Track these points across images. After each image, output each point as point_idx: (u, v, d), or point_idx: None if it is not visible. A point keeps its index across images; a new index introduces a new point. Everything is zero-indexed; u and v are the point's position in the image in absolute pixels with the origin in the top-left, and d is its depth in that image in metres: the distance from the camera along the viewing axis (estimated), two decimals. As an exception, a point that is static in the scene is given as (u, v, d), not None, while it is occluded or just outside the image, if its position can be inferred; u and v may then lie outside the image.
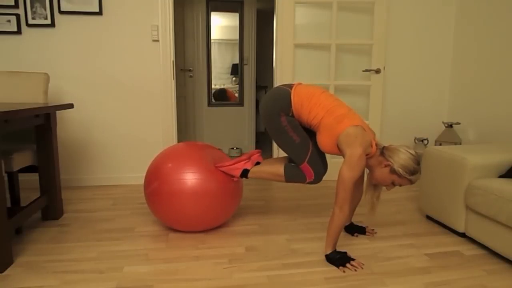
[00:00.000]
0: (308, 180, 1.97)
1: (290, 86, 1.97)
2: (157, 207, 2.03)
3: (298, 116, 1.93)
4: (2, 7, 2.83)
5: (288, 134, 1.91)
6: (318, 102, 1.87)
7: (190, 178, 1.96)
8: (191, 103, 4.55)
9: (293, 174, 1.98)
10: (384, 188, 2.68)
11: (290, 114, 1.92)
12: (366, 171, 1.93)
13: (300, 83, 1.99)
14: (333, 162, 3.25)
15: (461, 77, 3.30)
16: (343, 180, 1.70)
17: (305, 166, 1.94)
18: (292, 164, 2.00)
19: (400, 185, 1.80)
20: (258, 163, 2.11)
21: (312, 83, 3.18)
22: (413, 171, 1.74)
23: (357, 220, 2.36)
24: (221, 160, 2.14)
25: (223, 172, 2.06)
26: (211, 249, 1.96)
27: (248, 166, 2.06)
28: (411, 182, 1.77)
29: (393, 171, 1.76)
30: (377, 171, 1.82)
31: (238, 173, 2.05)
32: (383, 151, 1.82)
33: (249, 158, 2.09)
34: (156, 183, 2.01)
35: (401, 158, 1.74)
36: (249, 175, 2.07)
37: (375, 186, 1.95)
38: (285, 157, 2.13)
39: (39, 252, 1.90)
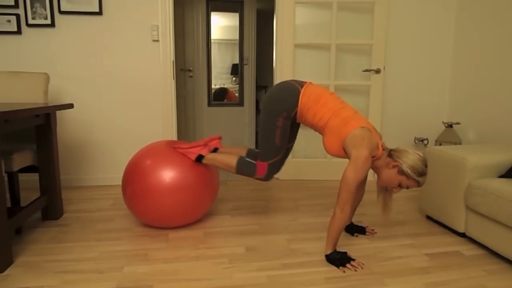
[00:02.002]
0: (257, 176, 2.03)
1: (301, 84, 1.94)
2: (136, 210, 2.10)
3: (301, 116, 1.93)
4: (2, 7, 2.83)
5: (274, 134, 1.93)
6: (325, 104, 1.86)
7: (166, 175, 2.03)
8: (191, 103, 4.55)
9: (244, 168, 2.03)
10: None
11: (292, 114, 1.92)
12: (374, 174, 1.92)
13: (311, 83, 1.97)
14: (333, 162, 3.26)
15: (461, 77, 3.30)
16: (347, 181, 1.70)
17: (263, 165, 2.00)
18: (247, 159, 2.05)
19: (408, 187, 1.78)
20: (216, 149, 2.19)
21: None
22: (421, 172, 1.72)
23: (357, 220, 2.36)
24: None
25: (181, 153, 2.12)
26: (211, 249, 1.96)
27: (203, 152, 2.12)
28: (419, 184, 1.75)
29: (401, 172, 1.74)
30: (384, 173, 1.80)
31: (193, 157, 2.11)
32: (391, 152, 1.81)
33: (205, 144, 2.16)
34: (128, 188, 2.08)
35: (410, 159, 1.73)
36: (204, 161, 2.12)
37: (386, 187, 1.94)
38: (243, 149, 2.22)
39: (39, 252, 1.90)
